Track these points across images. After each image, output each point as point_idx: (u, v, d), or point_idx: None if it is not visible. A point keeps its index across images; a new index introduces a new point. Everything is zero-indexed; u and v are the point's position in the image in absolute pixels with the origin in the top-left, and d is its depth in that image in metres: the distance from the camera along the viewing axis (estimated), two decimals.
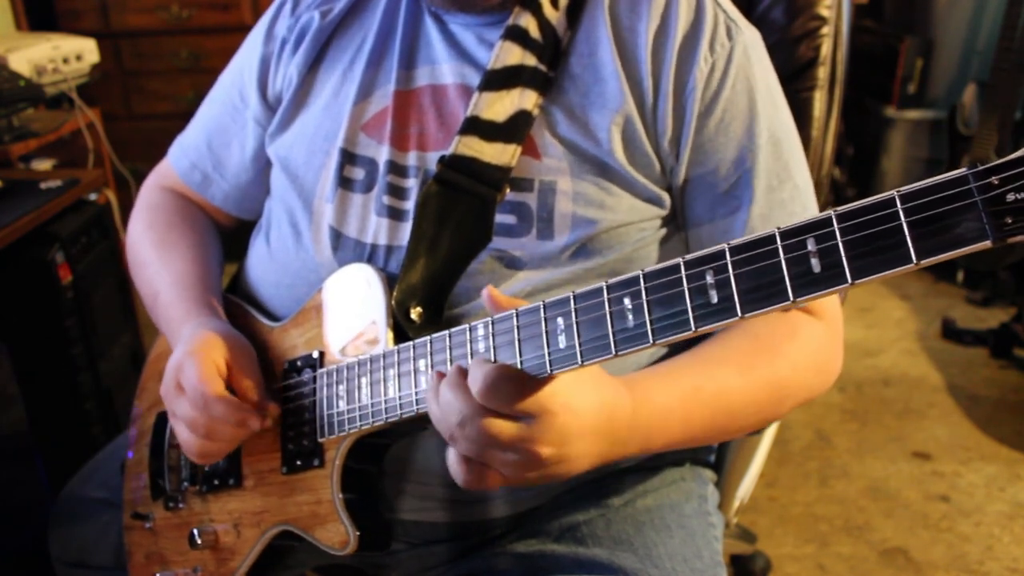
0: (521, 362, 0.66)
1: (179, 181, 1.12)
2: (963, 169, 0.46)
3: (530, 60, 0.88)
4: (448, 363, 0.74)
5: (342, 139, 0.94)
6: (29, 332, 1.75)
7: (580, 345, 0.63)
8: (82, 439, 1.81)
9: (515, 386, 0.64)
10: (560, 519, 0.93)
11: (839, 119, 1.21)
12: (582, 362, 0.63)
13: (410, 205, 0.90)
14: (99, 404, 1.84)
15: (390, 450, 0.89)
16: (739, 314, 0.54)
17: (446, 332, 0.74)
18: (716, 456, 1.15)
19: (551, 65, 0.88)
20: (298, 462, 0.88)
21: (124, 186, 2.34)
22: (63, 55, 2.16)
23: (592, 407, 0.68)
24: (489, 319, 0.70)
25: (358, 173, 0.93)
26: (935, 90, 3.43)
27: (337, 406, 0.85)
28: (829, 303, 0.89)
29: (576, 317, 0.63)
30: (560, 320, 0.64)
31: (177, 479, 0.99)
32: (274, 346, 0.95)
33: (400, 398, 0.78)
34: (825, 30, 1.17)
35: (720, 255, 0.55)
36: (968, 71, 3.33)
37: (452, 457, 0.69)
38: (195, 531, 0.93)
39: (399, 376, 0.79)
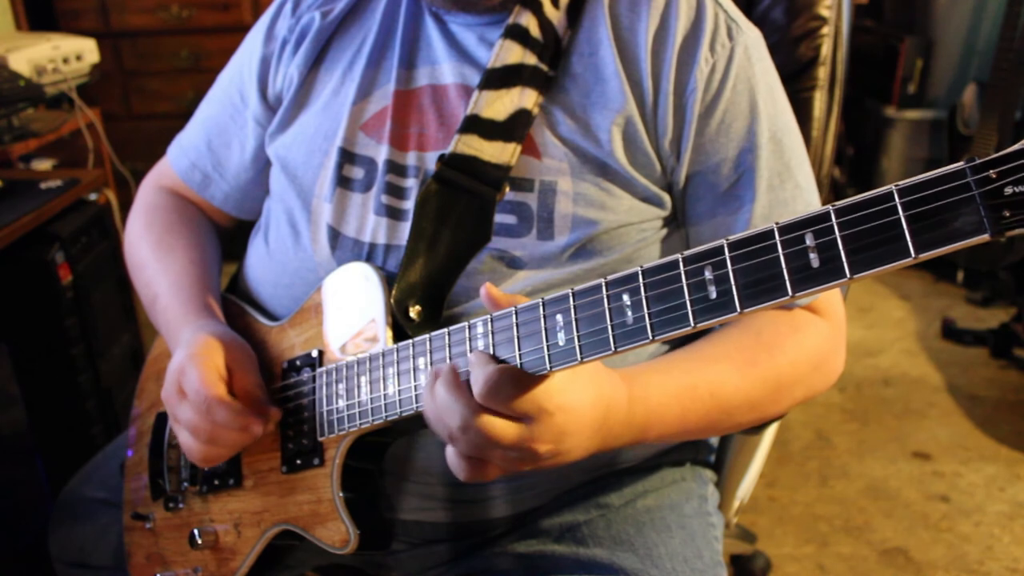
0: (520, 359, 0.67)
1: (178, 181, 1.12)
2: (961, 163, 0.46)
3: (530, 59, 0.88)
4: (448, 361, 0.74)
5: (341, 138, 0.94)
6: (29, 332, 1.75)
7: (579, 341, 0.63)
8: (82, 439, 1.81)
9: (515, 387, 0.65)
10: (560, 519, 0.93)
11: (839, 119, 1.21)
12: (581, 358, 0.63)
13: (409, 205, 0.90)
14: (99, 404, 1.84)
15: (390, 449, 0.89)
16: (738, 309, 0.54)
17: (445, 330, 0.74)
18: (716, 456, 1.15)
19: (552, 64, 0.88)
20: (298, 461, 0.88)
21: (124, 186, 2.34)
22: (63, 55, 2.16)
23: (588, 404, 0.69)
24: (488, 316, 0.70)
25: (357, 172, 0.93)
26: (935, 90, 3.44)
27: (337, 405, 0.85)
28: (832, 302, 0.89)
29: (575, 314, 0.63)
30: (559, 317, 0.64)
31: (177, 479, 0.99)
32: (273, 346, 0.95)
33: (400, 396, 0.78)
34: (825, 30, 1.17)
35: (719, 251, 0.55)
36: (968, 71, 3.33)
37: (452, 455, 0.70)
38: (195, 531, 0.93)
39: (398, 374, 0.79)
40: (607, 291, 0.61)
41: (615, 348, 0.61)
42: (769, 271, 0.53)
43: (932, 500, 2.07)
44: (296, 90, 0.99)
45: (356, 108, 0.94)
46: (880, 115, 3.46)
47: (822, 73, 1.18)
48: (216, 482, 0.95)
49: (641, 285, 0.59)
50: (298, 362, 0.91)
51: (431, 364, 0.75)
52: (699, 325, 0.56)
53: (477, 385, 0.65)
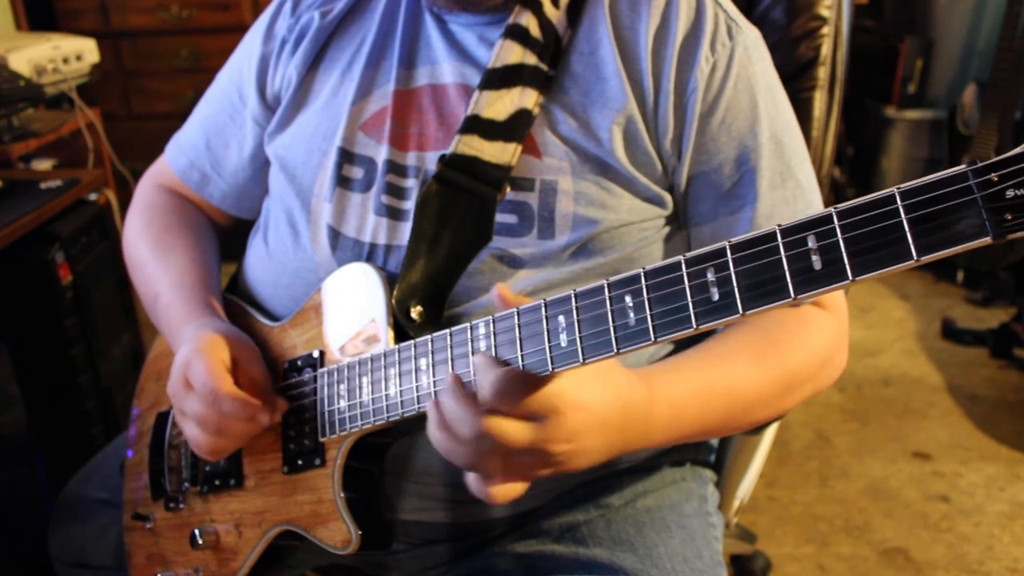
0: (522, 360, 0.66)
1: (176, 180, 1.12)
2: (963, 166, 0.46)
3: (531, 59, 0.88)
4: (449, 362, 0.74)
5: (340, 138, 0.94)
6: (29, 332, 1.75)
7: (581, 343, 0.63)
8: (82, 439, 1.81)
9: (524, 387, 0.64)
10: (560, 519, 0.93)
11: (839, 119, 1.21)
12: (583, 360, 0.63)
13: (409, 205, 0.90)
14: (99, 404, 1.84)
15: (391, 449, 0.89)
16: (740, 311, 0.54)
17: (447, 331, 0.74)
18: (716, 456, 1.15)
19: (552, 64, 0.88)
20: (299, 462, 0.88)
21: (124, 186, 2.33)
22: (63, 55, 2.16)
23: (604, 403, 0.69)
24: (490, 317, 0.70)
25: (356, 172, 0.93)
26: (935, 90, 3.44)
27: (338, 405, 0.85)
28: (835, 296, 0.89)
29: (577, 315, 0.63)
30: (561, 318, 0.64)
31: (178, 480, 0.99)
32: (274, 346, 0.95)
33: (401, 397, 0.78)
34: (825, 30, 1.17)
35: (721, 252, 0.56)
36: (968, 71, 3.33)
37: (474, 481, 0.69)
38: (196, 531, 0.92)
39: (400, 375, 0.79)
40: (609, 292, 0.61)
41: (617, 349, 0.61)
42: (771, 273, 0.53)
43: (932, 500, 2.07)
44: (295, 90, 0.99)
45: (355, 108, 0.94)
46: (880, 115, 3.46)
47: (822, 73, 1.18)
48: (217, 482, 0.95)
49: (643, 287, 0.59)
50: (299, 362, 0.91)
51: (433, 365, 0.75)
52: (701, 327, 0.56)
53: (484, 389, 0.64)
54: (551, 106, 0.88)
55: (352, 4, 0.99)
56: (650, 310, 0.59)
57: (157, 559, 1.01)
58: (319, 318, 0.91)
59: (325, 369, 0.88)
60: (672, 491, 0.98)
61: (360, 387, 0.83)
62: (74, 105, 2.16)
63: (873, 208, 0.49)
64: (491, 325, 0.70)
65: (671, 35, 0.86)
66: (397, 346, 0.80)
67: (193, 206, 1.13)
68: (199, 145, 1.10)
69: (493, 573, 0.91)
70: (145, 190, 1.15)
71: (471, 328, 0.72)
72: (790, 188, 0.88)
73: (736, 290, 0.54)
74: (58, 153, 2.23)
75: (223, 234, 1.17)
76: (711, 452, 1.11)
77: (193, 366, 0.86)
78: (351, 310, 0.88)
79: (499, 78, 0.88)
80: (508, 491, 0.69)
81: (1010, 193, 0.44)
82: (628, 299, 0.60)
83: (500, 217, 0.87)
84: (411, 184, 0.90)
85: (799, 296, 0.52)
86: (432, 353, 0.76)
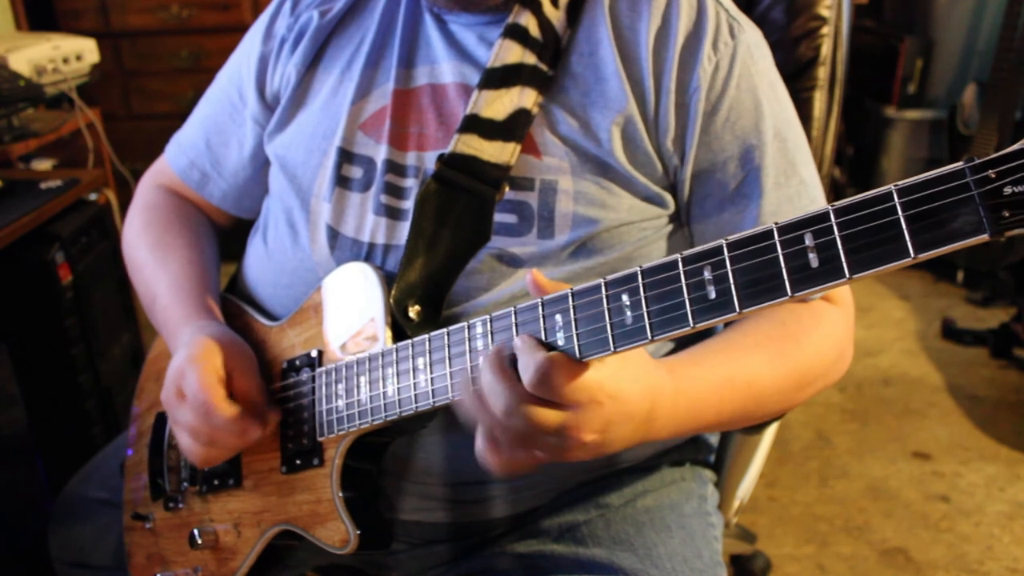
0: None
1: (176, 179, 1.12)
2: (960, 163, 0.46)
3: (530, 59, 0.88)
4: (447, 360, 0.74)
5: (340, 138, 0.94)
6: (29, 332, 1.75)
7: (578, 341, 0.63)
8: (82, 439, 1.81)
9: (567, 374, 0.63)
10: (560, 519, 0.93)
11: (839, 119, 1.21)
12: (580, 358, 0.63)
13: (408, 204, 0.90)
14: (99, 404, 1.84)
15: (389, 449, 0.89)
16: (737, 310, 0.54)
17: (444, 330, 0.74)
18: (716, 456, 1.15)
19: (551, 64, 0.88)
20: (298, 461, 0.88)
21: (124, 186, 2.34)
22: (63, 55, 2.16)
23: (638, 394, 0.68)
24: (488, 316, 0.70)
25: (356, 172, 0.93)
26: (935, 90, 3.43)
27: (336, 405, 0.85)
28: (843, 291, 0.89)
29: (574, 314, 0.63)
30: (558, 317, 0.64)
31: (177, 479, 0.99)
32: (273, 346, 0.95)
33: (399, 396, 0.78)
34: (825, 30, 1.17)
35: (718, 251, 0.56)
36: (968, 71, 3.33)
37: (483, 448, 0.68)
38: (195, 531, 0.92)
39: (398, 374, 0.79)
40: (606, 291, 0.61)
41: (614, 348, 0.61)
42: (768, 271, 0.53)
43: (932, 500, 2.07)
44: (294, 89, 0.99)
45: (355, 107, 0.94)
46: (880, 115, 3.46)
47: (822, 73, 1.18)
48: (216, 482, 0.95)
49: (640, 285, 0.59)
50: (298, 362, 0.91)
51: (430, 364, 0.75)
52: (698, 325, 0.56)
53: (528, 372, 0.63)
54: (550, 106, 0.88)
55: (352, 3, 0.99)
56: (647, 308, 0.59)
57: (157, 559, 1.01)
58: (318, 318, 0.91)
59: (323, 369, 0.88)
60: (672, 491, 0.98)
61: (358, 386, 0.83)
62: (74, 105, 2.16)
63: (870, 206, 0.49)
64: (488, 324, 0.70)
65: (672, 35, 0.86)
66: (395, 345, 0.80)
67: (193, 206, 1.13)
68: (199, 144, 1.10)
69: (493, 573, 0.91)
70: (145, 190, 1.15)
71: (468, 327, 0.72)
72: (794, 185, 0.88)
73: (733, 288, 0.54)
74: (58, 153, 2.23)
75: (223, 234, 1.17)
76: (711, 452, 1.11)
77: (187, 376, 0.86)
78: (350, 310, 0.88)
79: (498, 78, 0.88)
80: (513, 467, 0.68)
81: (1008, 190, 0.44)
82: (625, 297, 0.60)
83: (499, 216, 0.87)
84: (410, 184, 0.90)
85: (796, 294, 0.52)
86: (430, 352, 0.75)
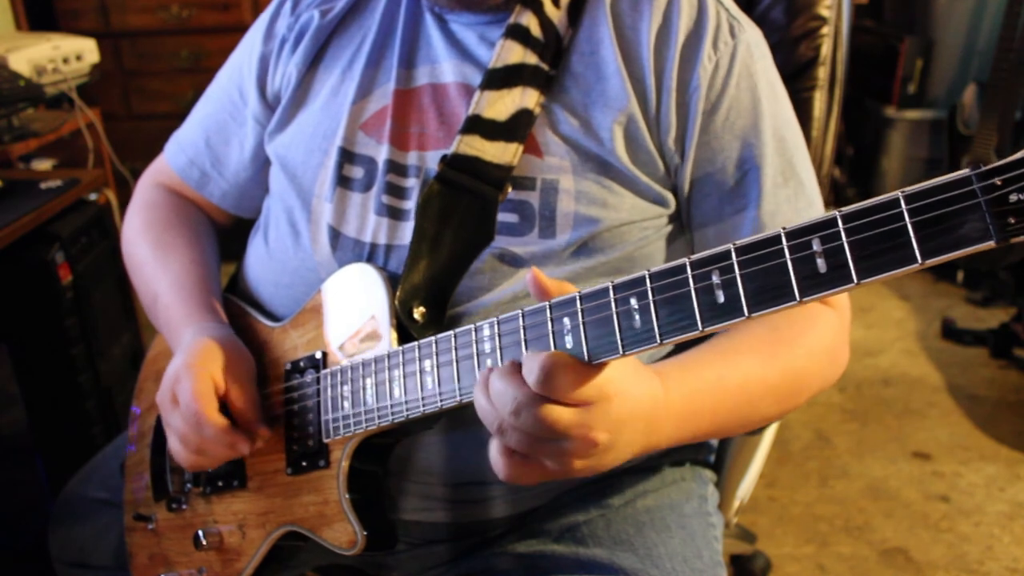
0: None
1: (176, 178, 1.12)
2: (966, 170, 0.46)
3: (531, 59, 0.88)
4: (454, 363, 0.73)
5: (341, 138, 0.94)
6: (29, 332, 1.75)
7: (587, 345, 0.62)
8: (82, 439, 1.81)
9: (572, 374, 0.62)
10: (560, 519, 0.93)
11: (839, 119, 1.21)
12: (589, 361, 0.63)
13: (410, 205, 0.90)
14: (99, 404, 1.84)
15: (393, 450, 0.89)
16: (746, 314, 0.54)
17: (451, 332, 0.74)
18: (716, 456, 1.15)
19: (553, 63, 0.88)
20: (303, 463, 0.88)
21: (124, 186, 2.33)
22: (63, 55, 2.16)
23: (642, 394, 0.68)
24: (495, 319, 0.70)
25: (357, 172, 0.93)
26: (935, 90, 3.44)
27: (342, 407, 0.85)
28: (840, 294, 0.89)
29: (582, 317, 0.63)
30: (567, 320, 0.64)
31: (180, 480, 0.99)
32: (275, 347, 0.95)
33: (406, 398, 0.78)
34: (825, 30, 1.17)
35: (726, 255, 0.56)
36: (968, 71, 3.33)
37: (495, 449, 0.66)
38: (200, 532, 0.92)
39: (404, 376, 0.78)
40: (615, 294, 0.61)
41: (623, 352, 0.61)
42: (777, 276, 0.53)
43: (932, 500, 2.07)
44: (295, 89, 0.99)
45: (356, 107, 0.94)
46: (880, 115, 3.47)
47: (822, 73, 1.18)
48: (220, 483, 0.95)
49: (649, 289, 0.59)
50: (301, 363, 0.91)
51: (437, 367, 0.75)
52: (707, 329, 0.56)
53: (532, 374, 0.62)
54: (552, 105, 0.88)
55: (352, 3, 0.99)
56: (655, 312, 0.59)
57: (160, 560, 1.01)
58: (320, 319, 0.91)
59: (328, 371, 0.88)
60: (672, 491, 0.98)
61: (364, 389, 0.82)
62: (74, 105, 2.16)
63: (877, 211, 0.49)
64: (495, 327, 0.70)
65: (673, 34, 0.87)
66: (401, 347, 0.80)
67: (193, 205, 1.13)
68: (199, 143, 1.10)
69: (493, 573, 0.91)
70: (144, 189, 1.15)
71: (475, 330, 0.71)
72: (792, 186, 0.88)
73: (742, 292, 0.54)
74: (58, 153, 2.23)
75: (223, 233, 1.16)
76: (711, 452, 1.11)
77: (182, 383, 0.87)
78: (352, 310, 0.88)
79: (500, 78, 0.88)
80: (524, 473, 0.66)
81: (1014, 197, 0.44)
82: (633, 301, 0.60)
83: (501, 216, 0.87)
84: (411, 184, 0.90)
85: (804, 299, 0.52)
86: (436, 355, 0.75)
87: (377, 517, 0.86)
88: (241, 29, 1.14)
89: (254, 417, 0.89)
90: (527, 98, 0.87)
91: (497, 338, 0.69)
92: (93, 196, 1.90)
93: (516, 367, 0.64)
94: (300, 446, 0.89)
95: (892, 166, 3.48)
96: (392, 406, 0.79)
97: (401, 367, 0.79)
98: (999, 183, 0.45)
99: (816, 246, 0.51)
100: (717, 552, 0.96)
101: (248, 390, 0.90)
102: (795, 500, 2.07)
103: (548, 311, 0.65)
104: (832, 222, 0.51)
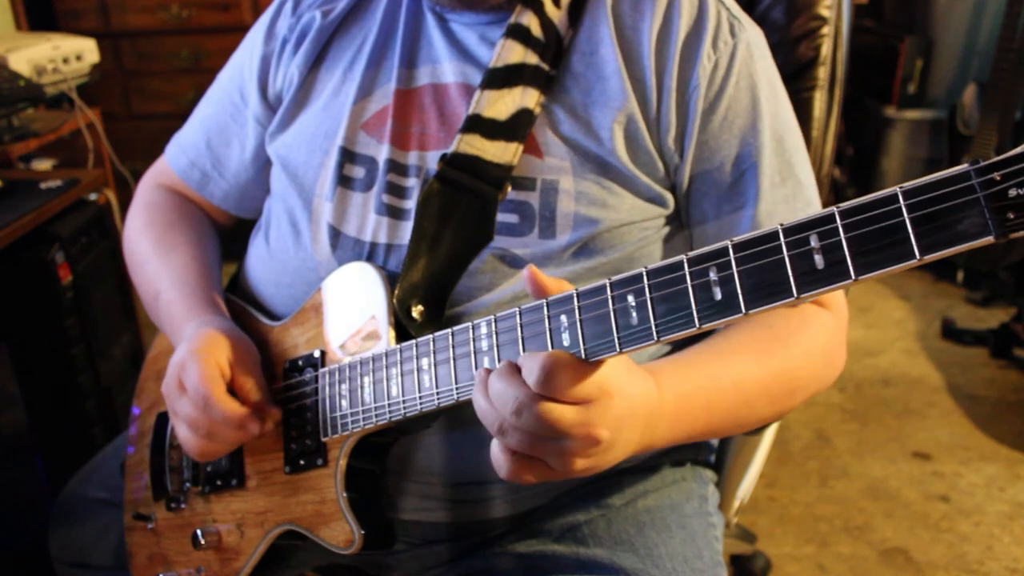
0: None
1: (177, 179, 1.12)
2: (965, 165, 0.46)
3: (532, 58, 0.88)
4: (451, 361, 0.74)
5: (342, 138, 0.94)
6: (29, 332, 1.75)
7: (584, 342, 0.62)
8: (82, 439, 1.81)
9: (572, 372, 0.62)
10: (561, 519, 0.93)
11: (839, 119, 1.21)
12: (586, 359, 0.63)
13: (410, 204, 0.90)
14: (99, 404, 1.84)
15: (391, 449, 0.89)
16: (743, 311, 0.54)
17: (448, 330, 0.74)
18: (716, 456, 1.15)
19: (553, 63, 0.88)
20: (301, 462, 0.88)
21: (124, 186, 2.34)
22: (63, 55, 2.16)
23: (640, 392, 0.68)
24: (492, 317, 0.70)
25: (358, 172, 0.93)
26: (935, 90, 3.44)
27: (340, 406, 0.85)
28: (836, 295, 0.89)
29: (579, 315, 0.63)
30: (563, 318, 0.64)
31: (179, 480, 0.99)
32: (275, 345, 0.95)
33: (403, 397, 0.78)
34: (825, 30, 1.17)
35: (723, 252, 0.55)
36: (968, 71, 3.33)
37: (497, 450, 0.66)
38: (199, 532, 0.92)
39: (402, 375, 0.78)
40: (611, 292, 0.61)
41: (620, 349, 0.61)
42: (774, 272, 0.53)
43: (932, 500, 2.07)
44: (296, 89, 0.99)
45: (357, 107, 0.94)
46: (880, 115, 3.47)
47: (822, 73, 1.18)
48: (219, 482, 0.95)
49: (646, 286, 0.59)
50: (300, 362, 0.91)
51: (435, 365, 0.75)
52: (704, 326, 0.56)
53: (532, 374, 0.62)
54: (552, 105, 0.88)
55: (353, 3, 0.99)
56: (652, 309, 0.59)
57: (159, 559, 1.01)
58: (320, 317, 0.91)
59: (326, 369, 0.88)
60: (672, 491, 0.98)
61: (362, 387, 0.83)
62: (74, 105, 2.16)
63: (875, 207, 0.49)
64: (493, 325, 0.70)
65: (674, 33, 0.87)
66: (399, 346, 0.80)
67: (194, 206, 1.13)
68: (200, 144, 1.10)
69: (493, 573, 0.91)
70: (145, 190, 1.15)
71: (473, 328, 0.71)
72: (790, 186, 0.88)
73: (739, 289, 0.54)
74: (58, 153, 2.23)
75: (223, 234, 1.17)
76: (711, 452, 1.11)
77: (188, 368, 0.86)
78: (352, 309, 0.88)
79: (500, 78, 0.88)
80: (524, 474, 0.66)
81: (1013, 192, 0.44)
82: (630, 298, 0.60)
83: (501, 216, 0.87)
84: (412, 183, 0.90)
85: (802, 295, 0.52)
86: (434, 353, 0.75)
87: (375, 516, 0.86)
88: (241, 29, 1.14)
89: (262, 399, 0.89)
90: (527, 98, 0.87)
91: (494, 336, 0.69)
92: (93, 196, 1.91)
93: (515, 367, 0.64)
94: (298, 444, 0.89)
95: (892, 166, 3.48)
96: (390, 404, 0.79)
97: (399, 365, 0.79)
98: (998, 178, 0.45)
99: (814, 242, 0.51)
100: (717, 552, 0.95)
101: (255, 374, 0.90)
102: (795, 500, 2.07)
103: (545, 309, 0.65)
104: (830, 218, 0.51)
